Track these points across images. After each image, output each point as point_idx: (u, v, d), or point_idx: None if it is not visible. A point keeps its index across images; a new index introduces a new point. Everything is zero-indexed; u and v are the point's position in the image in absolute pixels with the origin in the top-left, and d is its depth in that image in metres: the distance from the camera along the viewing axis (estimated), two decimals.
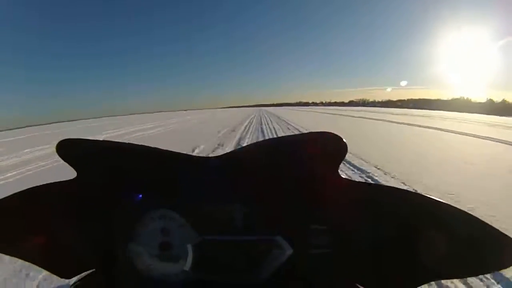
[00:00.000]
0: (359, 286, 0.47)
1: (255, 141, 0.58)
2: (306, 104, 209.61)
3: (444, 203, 0.42)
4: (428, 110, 31.26)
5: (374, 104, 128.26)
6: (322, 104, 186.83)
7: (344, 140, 0.43)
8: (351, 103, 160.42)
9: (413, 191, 0.46)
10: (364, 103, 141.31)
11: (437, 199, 0.42)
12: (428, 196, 0.43)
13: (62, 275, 0.53)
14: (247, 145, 0.52)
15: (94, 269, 0.52)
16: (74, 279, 0.52)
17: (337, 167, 0.46)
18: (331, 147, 0.44)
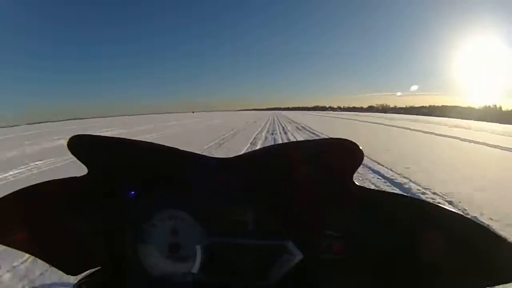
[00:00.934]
0: None
1: (270, 144, 0.57)
2: (323, 108, 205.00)
3: (460, 215, 0.42)
4: (484, 122, 25.82)
5: (396, 110, 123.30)
6: (340, 109, 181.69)
7: (361, 147, 0.43)
8: (371, 109, 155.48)
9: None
10: (385, 109, 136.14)
11: (453, 210, 0.42)
12: (444, 207, 0.43)
13: (68, 271, 0.52)
14: (261, 148, 0.52)
15: (100, 267, 0.51)
16: (80, 276, 0.51)
17: (353, 174, 0.45)
18: (347, 154, 0.44)
